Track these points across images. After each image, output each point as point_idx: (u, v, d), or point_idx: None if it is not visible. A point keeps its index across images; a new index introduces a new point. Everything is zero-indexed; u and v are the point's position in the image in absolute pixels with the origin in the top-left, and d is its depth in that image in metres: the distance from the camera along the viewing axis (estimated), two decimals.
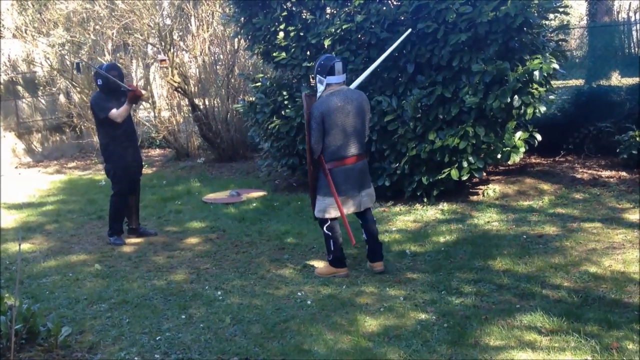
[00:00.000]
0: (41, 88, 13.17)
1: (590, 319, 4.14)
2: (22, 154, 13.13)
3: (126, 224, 6.95)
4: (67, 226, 7.66)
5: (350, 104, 5.16)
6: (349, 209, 5.29)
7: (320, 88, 5.27)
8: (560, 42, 7.63)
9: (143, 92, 6.68)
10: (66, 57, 12.40)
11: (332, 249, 5.29)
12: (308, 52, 7.86)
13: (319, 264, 5.60)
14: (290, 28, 7.80)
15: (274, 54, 7.96)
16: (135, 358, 4.08)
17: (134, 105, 6.75)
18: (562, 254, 5.42)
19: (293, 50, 7.87)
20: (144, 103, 12.54)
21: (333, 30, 7.34)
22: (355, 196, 5.28)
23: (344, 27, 7.25)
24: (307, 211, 7.43)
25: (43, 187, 10.38)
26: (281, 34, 7.86)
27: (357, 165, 5.27)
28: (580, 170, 8.06)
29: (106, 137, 6.60)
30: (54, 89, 13.11)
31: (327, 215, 5.26)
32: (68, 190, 10.01)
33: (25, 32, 12.13)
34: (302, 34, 7.79)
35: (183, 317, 4.67)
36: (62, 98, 13.57)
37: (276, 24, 7.89)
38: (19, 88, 13.06)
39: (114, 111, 6.41)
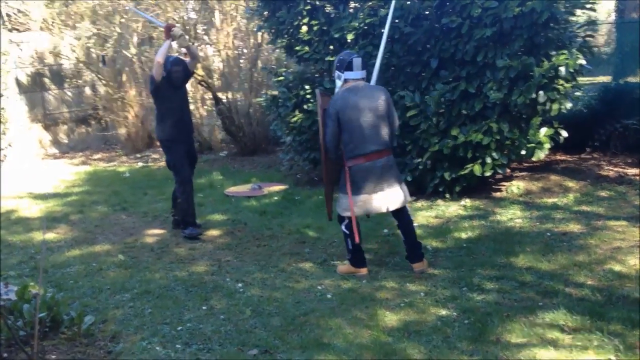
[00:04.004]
0: (67, 80, 13.34)
1: (614, 317, 4.07)
2: (48, 145, 13.32)
3: (172, 215, 6.95)
4: (91, 217, 7.76)
5: (367, 99, 5.01)
6: (372, 208, 5.12)
7: (338, 84, 5.16)
8: (587, 38, 7.51)
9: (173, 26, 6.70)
10: (92, 49, 12.54)
11: (351, 247, 5.19)
12: (331, 47, 7.84)
13: (340, 259, 5.60)
14: (314, 22, 7.79)
15: (297, 48, 7.96)
16: (157, 348, 4.11)
17: (173, 41, 6.55)
18: (586, 252, 5.36)
19: (316, 44, 7.87)
20: None
21: (356, 24, 7.32)
22: (378, 195, 5.08)
23: (367, 21, 7.22)
24: None
25: (68, 178, 10.52)
26: (304, 28, 7.86)
27: (379, 162, 5.05)
28: (606, 168, 7.95)
29: (159, 112, 6.62)
30: (79, 81, 13.28)
31: (348, 214, 5.15)
32: (93, 181, 10.13)
33: (52, 25, 12.29)
34: (325, 28, 7.78)
35: (204, 308, 4.70)
36: (87, 90, 13.73)
37: (299, 18, 7.89)
38: (46, 80, 13.24)
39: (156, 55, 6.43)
